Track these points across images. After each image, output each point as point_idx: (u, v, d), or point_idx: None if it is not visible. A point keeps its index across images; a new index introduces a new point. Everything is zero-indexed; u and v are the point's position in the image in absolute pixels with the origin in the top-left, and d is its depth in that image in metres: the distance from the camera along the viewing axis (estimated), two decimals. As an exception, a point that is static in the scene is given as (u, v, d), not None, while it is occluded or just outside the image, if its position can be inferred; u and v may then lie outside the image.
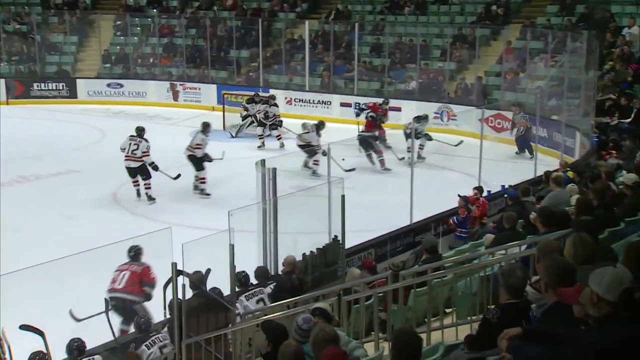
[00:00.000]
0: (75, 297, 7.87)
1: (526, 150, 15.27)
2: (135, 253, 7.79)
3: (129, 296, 7.52)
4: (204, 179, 12.72)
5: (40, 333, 6.31)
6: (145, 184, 12.28)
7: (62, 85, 22.43)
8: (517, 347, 3.13)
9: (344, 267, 8.07)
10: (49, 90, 22.33)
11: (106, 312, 6.85)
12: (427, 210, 10.60)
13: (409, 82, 19.82)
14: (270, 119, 16.62)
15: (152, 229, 8.38)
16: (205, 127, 13.05)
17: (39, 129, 18.19)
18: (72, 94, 22.33)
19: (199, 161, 12.69)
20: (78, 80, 22.65)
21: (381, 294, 6.34)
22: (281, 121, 16.73)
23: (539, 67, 18.30)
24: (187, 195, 12.57)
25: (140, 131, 12.44)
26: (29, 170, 14.09)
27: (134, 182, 12.30)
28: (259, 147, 16.26)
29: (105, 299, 6.96)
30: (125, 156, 12.23)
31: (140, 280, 7.57)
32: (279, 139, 16.43)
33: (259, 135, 16.63)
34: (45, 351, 6.08)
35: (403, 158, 14.20)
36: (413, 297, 6.33)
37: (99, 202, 12.10)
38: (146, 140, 12.35)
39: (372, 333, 6.18)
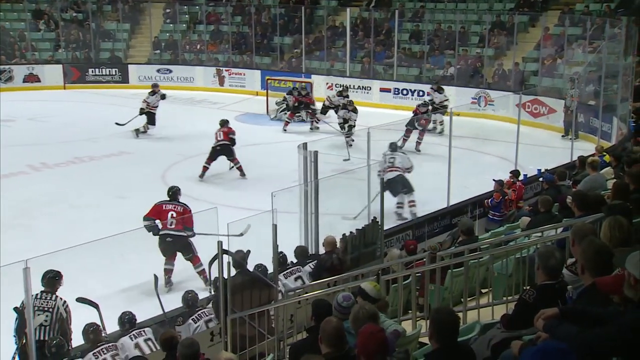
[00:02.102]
0: (128, 271, 8.05)
1: (570, 131, 14.93)
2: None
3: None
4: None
5: (95, 305, 6.46)
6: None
7: (115, 71, 22.77)
8: (554, 326, 3.08)
9: (382, 247, 8.05)
10: (102, 75, 22.70)
11: (155, 287, 6.95)
12: (463, 194, 10.50)
13: (447, 68, 19.57)
14: (346, 124, 15.14)
15: (199, 208, 8.53)
16: (224, 122, 13.03)
17: (93, 113, 18.49)
18: (124, 79, 22.66)
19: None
20: (130, 66, 22.95)
21: (419, 274, 6.31)
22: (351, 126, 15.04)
23: (577, 53, 17.88)
24: (233, 178, 12.66)
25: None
26: (84, 151, 14.34)
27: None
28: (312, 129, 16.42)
29: (155, 275, 7.07)
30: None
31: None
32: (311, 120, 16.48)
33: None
34: (99, 323, 6.21)
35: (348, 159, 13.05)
36: (450, 278, 6.29)
37: (148, 182, 12.24)
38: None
39: (410, 312, 6.16)
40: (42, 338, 6.03)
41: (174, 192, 8.77)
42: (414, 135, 14.40)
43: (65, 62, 22.97)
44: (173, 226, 8.40)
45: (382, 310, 4.65)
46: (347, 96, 16.08)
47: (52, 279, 6.29)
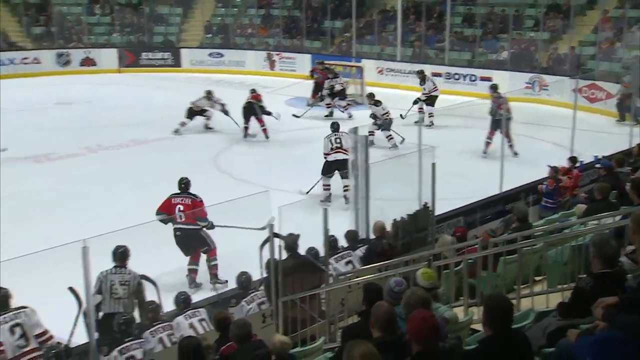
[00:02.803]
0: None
1: (627, 117, 14.53)
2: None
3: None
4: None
5: (154, 283, 6.61)
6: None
7: (168, 55, 23.10)
8: (613, 315, 3.03)
9: (433, 233, 7.99)
10: (156, 59, 23.08)
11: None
12: (517, 180, 10.35)
13: (500, 53, 19.24)
14: (379, 119, 14.00)
15: (251, 192, 8.61)
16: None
17: (147, 96, 18.81)
18: (177, 62, 22.99)
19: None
20: (182, 50, 23.26)
21: (471, 261, 6.26)
22: (391, 120, 13.73)
23: (636, 36, 17.34)
24: (286, 162, 12.74)
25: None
26: (139, 134, 14.62)
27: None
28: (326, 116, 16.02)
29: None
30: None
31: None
32: (345, 109, 16.24)
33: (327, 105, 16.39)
34: (157, 301, 6.37)
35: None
36: (502, 265, 6.22)
37: (200, 166, 12.40)
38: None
39: (461, 298, 6.12)
40: (117, 311, 6.27)
41: (185, 184, 8.36)
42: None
43: (120, 45, 23.42)
44: (183, 219, 8.09)
45: (436, 299, 4.61)
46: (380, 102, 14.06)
47: (123, 254, 6.50)
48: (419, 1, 21.29)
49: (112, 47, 23.23)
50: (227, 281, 7.83)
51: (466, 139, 13.84)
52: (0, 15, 23.25)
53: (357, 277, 6.38)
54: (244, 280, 6.65)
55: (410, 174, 8.88)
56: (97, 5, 24.72)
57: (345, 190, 10.37)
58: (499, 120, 12.00)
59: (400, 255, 7.02)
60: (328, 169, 10.61)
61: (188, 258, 8.12)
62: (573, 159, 10.39)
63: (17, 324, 5.51)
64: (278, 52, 22.30)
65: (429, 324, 3.36)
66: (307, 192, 10.63)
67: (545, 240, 6.11)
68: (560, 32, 19.08)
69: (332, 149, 10.69)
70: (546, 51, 18.69)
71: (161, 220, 7.97)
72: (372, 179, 8.16)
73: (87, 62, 22.72)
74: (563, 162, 10.32)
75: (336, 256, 7.24)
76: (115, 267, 6.48)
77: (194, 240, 8.10)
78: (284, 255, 6.33)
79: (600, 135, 13.70)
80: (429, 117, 15.07)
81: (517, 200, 9.93)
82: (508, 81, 16.89)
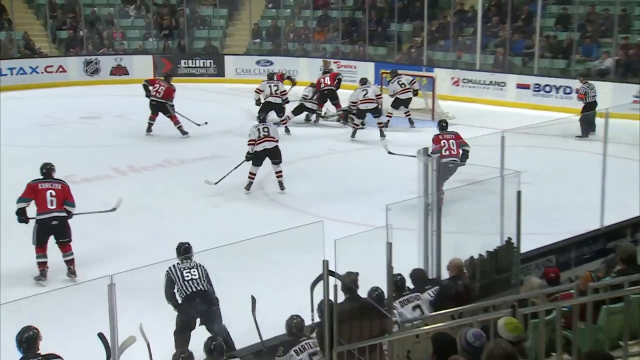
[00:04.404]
0: (222, 287, 8.23)
1: None
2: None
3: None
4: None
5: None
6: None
7: (210, 63, 23.60)
8: None
9: (518, 274, 7.86)
10: (196, 67, 23.59)
11: (253, 311, 7.05)
12: (622, 214, 10.11)
13: (603, 60, 18.92)
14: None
15: (302, 222, 8.60)
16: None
17: (186, 110, 19.11)
18: (220, 71, 23.45)
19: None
20: (226, 57, 23.71)
21: (565, 309, 6.09)
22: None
23: None
24: (340, 190, 12.78)
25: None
26: (175, 153, 14.93)
27: None
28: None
29: (252, 297, 7.18)
30: None
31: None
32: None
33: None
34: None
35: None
36: (605, 315, 6.04)
37: (244, 190, 12.51)
38: None
39: (554, 354, 5.96)
40: (195, 289, 7.21)
41: (47, 170, 9.16)
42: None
43: (156, 52, 23.98)
44: (54, 206, 8.95)
45: (523, 355, 4.50)
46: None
47: (187, 249, 7.65)
48: (503, 0, 21.18)
49: (146, 54, 23.81)
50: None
51: (558, 163, 13.61)
52: (22, 18, 24.09)
53: (426, 325, 6.29)
54: (294, 325, 6.60)
55: (491, 203, 8.77)
56: (132, 7, 25.36)
57: (278, 177, 12.56)
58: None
59: (478, 300, 6.90)
60: (257, 159, 12.41)
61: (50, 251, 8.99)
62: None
63: None
64: (336, 60, 22.47)
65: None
66: (217, 183, 12.46)
67: (659, 286, 5.91)
68: (677, 35, 18.75)
69: (259, 137, 12.31)
70: (659, 58, 18.36)
71: (19, 213, 8.98)
72: (444, 208, 8.09)
73: (118, 70, 23.35)
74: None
75: (402, 299, 7.16)
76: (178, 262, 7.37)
77: (64, 229, 9.07)
78: (341, 297, 6.27)
79: None
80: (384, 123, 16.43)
81: (622, 237, 9.72)
82: (611, 94, 16.59)
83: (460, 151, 11.87)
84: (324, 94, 17.23)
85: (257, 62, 23.31)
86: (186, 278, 7.29)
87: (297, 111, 17.13)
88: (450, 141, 11.98)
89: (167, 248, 8.06)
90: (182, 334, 7.16)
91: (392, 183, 12.04)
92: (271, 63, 23.16)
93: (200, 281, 7.34)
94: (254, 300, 7.15)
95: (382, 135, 16.02)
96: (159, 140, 15.93)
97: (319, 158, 14.70)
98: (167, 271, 7.27)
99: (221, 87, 22.29)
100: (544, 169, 12.86)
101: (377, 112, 16.29)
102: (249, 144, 12.41)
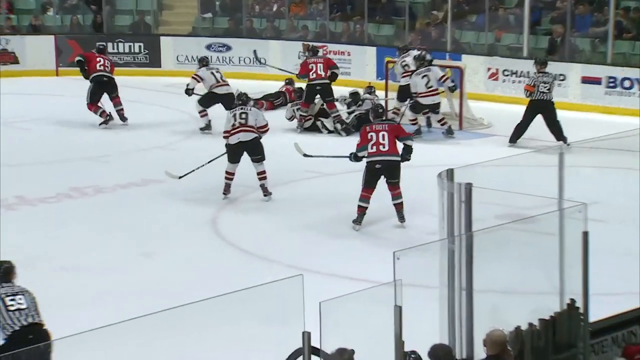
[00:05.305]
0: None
1: None
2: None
3: None
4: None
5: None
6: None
7: (139, 47, 23.81)
8: None
9: (587, 353, 7.95)
10: (119, 54, 23.62)
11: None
12: None
13: None
14: None
15: (271, 275, 8.63)
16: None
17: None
18: (154, 60, 23.77)
19: None
20: (163, 39, 23.96)
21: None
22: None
23: None
24: (324, 224, 12.89)
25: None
26: (87, 177, 14.97)
27: None
28: None
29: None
30: None
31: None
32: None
33: None
34: None
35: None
36: None
37: (192, 229, 12.67)
38: None
39: None
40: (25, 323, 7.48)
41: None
42: None
43: (59, 31, 23.98)
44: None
45: None
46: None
47: (8, 271, 8.03)
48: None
49: (46, 34, 23.80)
50: None
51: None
52: None
53: None
54: None
55: (545, 249, 8.85)
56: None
57: (261, 179, 13.48)
58: None
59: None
60: (234, 155, 13.36)
61: None
62: None
63: None
64: (323, 44, 22.55)
65: None
66: (181, 177, 13.86)
67: None
68: None
69: (234, 126, 13.24)
70: None
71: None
72: (477, 256, 8.13)
73: (4, 57, 23.31)
74: None
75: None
76: None
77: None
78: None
79: None
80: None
81: None
82: None
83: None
84: (315, 89, 17.57)
85: (209, 47, 23.37)
86: (10, 308, 7.56)
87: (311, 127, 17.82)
88: (381, 134, 12.26)
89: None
90: None
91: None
92: (228, 48, 23.29)
93: (31, 312, 7.64)
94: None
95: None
96: (65, 158, 15.97)
97: (297, 183, 14.76)
98: None
99: (155, 82, 22.38)
100: (620, 200, 12.98)
101: (437, 108, 17.00)
102: (223, 137, 13.52)
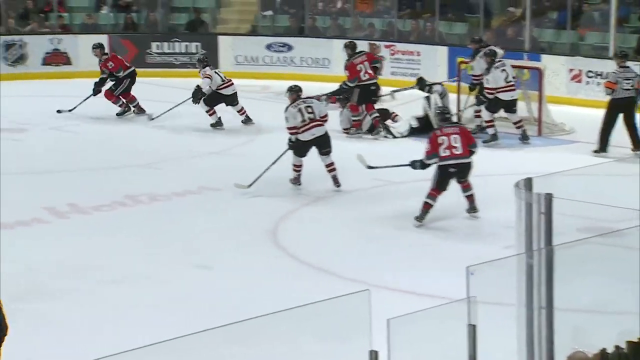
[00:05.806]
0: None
1: None
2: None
3: None
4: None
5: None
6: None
7: (196, 47, 23.77)
8: None
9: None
10: (175, 54, 23.90)
11: None
12: None
13: None
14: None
15: (344, 289, 8.53)
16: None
17: (154, 122, 19.25)
18: (212, 60, 23.01)
19: None
20: (220, 39, 24.01)
21: None
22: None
23: None
24: (391, 237, 12.79)
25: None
26: (142, 184, 15.07)
27: None
28: None
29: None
30: None
31: None
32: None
33: None
34: None
35: None
36: None
37: (250, 239, 12.60)
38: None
39: None
40: None
41: None
42: None
43: (113, 31, 24.17)
44: None
45: None
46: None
47: None
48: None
49: (98, 33, 23.97)
50: None
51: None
52: None
53: None
54: None
55: (632, 264, 8.70)
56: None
57: (330, 171, 14.06)
58: None
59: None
60: (304, 150, 13.97)
61: None
62: None
63: None
64: (389, 43, 22.54)
65: None
66: (249, 186, 14.06)
67: None
68: None
69: (304, 121, 13.79)
70: None
71: None
72: (557, 272, 8.01)
73: (56, 58, 23.51)
74: None
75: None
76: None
77: None
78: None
79: None
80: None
81: None
82: None
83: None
84: (369, 90, 17.62)
85: (269, 47, 23.42)
86: None
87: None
88: (453, 137, 12.45)
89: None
90: None
91: (477, 230, 12.16)
92: (290, 47, 23.31)
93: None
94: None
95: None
96: (112, 167, 16.03)
97: (363, 191, 14.65)
98: None
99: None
100: None
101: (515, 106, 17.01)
102: (290, 133, 14.00)
